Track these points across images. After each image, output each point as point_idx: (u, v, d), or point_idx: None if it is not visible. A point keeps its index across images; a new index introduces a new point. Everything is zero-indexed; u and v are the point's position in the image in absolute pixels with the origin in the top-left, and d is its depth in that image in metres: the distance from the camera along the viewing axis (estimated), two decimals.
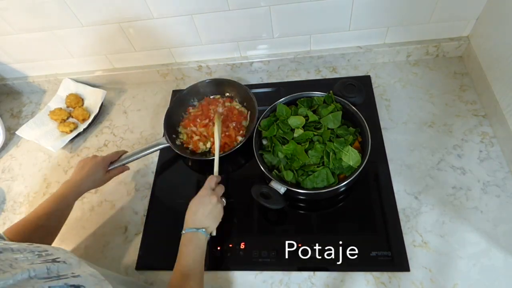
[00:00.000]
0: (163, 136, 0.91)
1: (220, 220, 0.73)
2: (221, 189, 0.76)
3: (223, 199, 0.76)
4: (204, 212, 0.71)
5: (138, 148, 0.89)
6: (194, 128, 0.95)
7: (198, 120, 0.96)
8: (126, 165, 0.88)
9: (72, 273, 0.45)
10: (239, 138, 0.91)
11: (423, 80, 0.97)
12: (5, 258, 0.42)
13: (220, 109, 0.97)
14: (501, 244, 0.69)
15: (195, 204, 0.72)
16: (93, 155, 0.84)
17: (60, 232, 0.75)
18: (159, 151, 0.97)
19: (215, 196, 0.73)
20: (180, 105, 1.00)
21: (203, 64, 1.08)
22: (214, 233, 0.73)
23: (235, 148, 0.86)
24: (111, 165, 0.85)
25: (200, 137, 0.93)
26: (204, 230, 0.69)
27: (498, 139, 0.82)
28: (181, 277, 0.63)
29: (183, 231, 0.69)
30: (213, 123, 0.90)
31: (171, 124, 0.96)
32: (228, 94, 1.02)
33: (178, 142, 0.94)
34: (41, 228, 0.69)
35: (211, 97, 1.02)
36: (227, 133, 0.91)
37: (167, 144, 0.89)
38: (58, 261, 0.46)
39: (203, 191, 0.73)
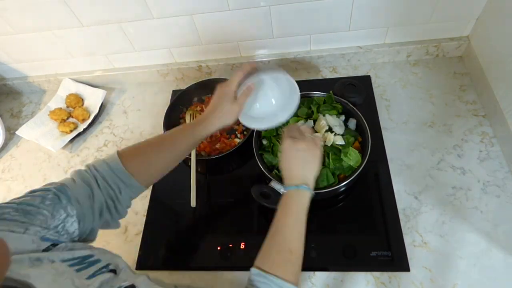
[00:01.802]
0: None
1: (319, 158, 0.64)
2: (305, 129, 0.67)
3: (316, 137, 0.67)
4: (298, 165, 0.62)
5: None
6: None
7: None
8: (250, 84, 0.67)
9: (125, 286, 0.45)
10: (237, 140, 0.91)
11: (423, 80, 0.97)
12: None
13: None
14: (501, 244, 0.69)
15: (284, 161, 0.64)
16: (219, 84, 0.67)
17: None
18: None
19: (301, 142, 0.63)
20: (180, 105, 1.00)
21: (203, 64, 1.08)
22: None
23: (233, 149, 0.86)
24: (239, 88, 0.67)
25: None
26: (305, 185, 0.60)
27: (498, 139, 0.82)
28: (282, 252, 0.55)
29: (282, 190, 0.61)
30: None
31: (171, 124, 0.96)
32: None
33: None
34: (163, 147, 0.62)
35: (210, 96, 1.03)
36: (226, 135, 0.91)
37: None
38: (109, 270, 0.47)
39: (285, 145, 0.64)
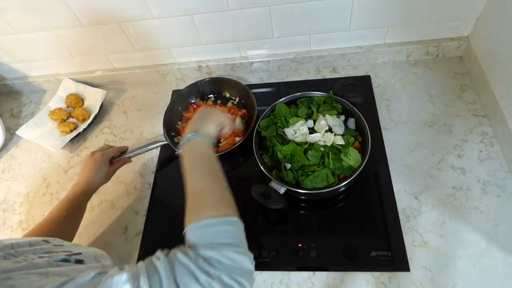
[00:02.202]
0: (163, 134, 0.91)
1: (218, 118, 0.67)
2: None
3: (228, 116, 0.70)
4: (194, 118, 0.65)
5: (137, 144, 0.89)
6: None
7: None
8: (126, 158, 0.87)
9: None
10: (237, 138, 0.91)
11: (423, 80, 0.97)
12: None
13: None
14: (501, 244, 0.69)
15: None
16: (91, 152, 0.82)
17: None
18: (159, 151, 0.97)
19: (206, 105, 0.69)
20: (179, 104, 1.00)
21: (203, 64, 1.08)
22: (224, 131, 0.67)
23: (233, 148, 0.86)
24: (113, 159, 0.85)
25: None
26: (193, 134, 0.61)
27: (498, 139, 0.82)
28: (192, 200, 0.52)
29: (179, 151, 0.61)
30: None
31: (171, 123, 0.96)
32: (227, 93, 1.02)
33: (176, 140, 0.94)
34: (55, 233, 0.66)
35: (209, 96, 1.03)
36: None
37: (166, 142, 0.89)
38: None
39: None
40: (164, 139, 0.90)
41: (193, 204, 0.52)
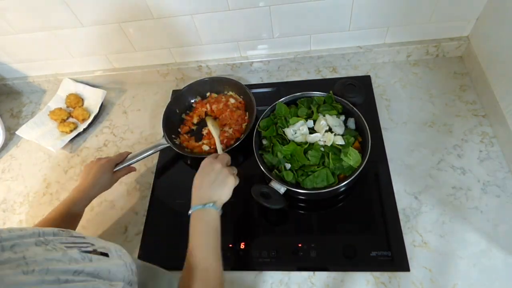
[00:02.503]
0: (163, 137, 0.91)
1: (230, 187, 0.66)
2: (224, 156, 0.70)
3: (233, 169, 0.70)
4: (209, 183, 0.64)
5: (138, 150, 0.89)
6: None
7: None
8: (133, 166, 0.87)
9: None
10: (240, 136, 0.91)
11: (423, 80, 0.97)
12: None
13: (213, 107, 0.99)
14: (501, 244, 0.69)
15: (198, 177, 0.66)
16: (97, 158, 0.83)
17: None
18: (159, 152, 0.97)
19: (218, 163, 0.66)
20: (179, 104, 1.00)
21: (203, 64, 1.08)
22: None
23: (232, 147, 0.86)
24: (116, 166, 0.84)
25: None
26: (212, 204, 0.62)
27: (498, 139, 0.82)
28: (198, 272, 0.55)
29: (190, 211, 0.63)
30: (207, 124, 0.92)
31: (170, 123, 0.96)
32: (227, 93, 1.02)
33: (177, 141, 0.94)
34: None
35: (209, 94, 1.03)
36: (225, 135, 0.91)
37: (167, 145, 0.89)
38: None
39: (205, 161, 0.68)
40: (165, 142, 0.89)
41: (199, 276, 0.55)
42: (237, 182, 0.69)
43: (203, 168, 0.68)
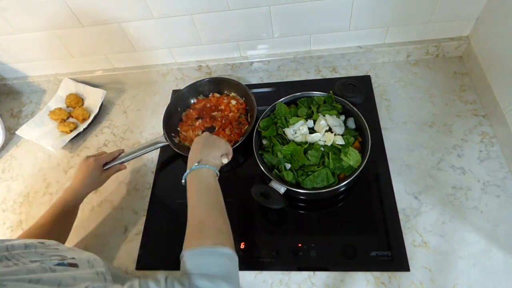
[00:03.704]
0: (162, 135, 0.91)
1: (220, 148, 0.68)
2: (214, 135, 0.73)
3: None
4: (197, 148, 0.66)
5: (137, 146, 0.89)
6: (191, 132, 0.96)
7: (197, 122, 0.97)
8: (124, 164, 0.88)
9: None
10: (240, 136, 0.91)
11: (423, 80, 0.97)
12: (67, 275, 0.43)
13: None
14: (501, 244, 0.69)
15: (191, 148, 0.69)
16: (86, 156, 0.83)
17: None
18: (159, 151, 0.97)
19: (207, 133, 0.70)
20: (179, 104, 1.00)
21: (203, 64, 1.08)
22: (225, 161, 0.68)
23: (233, 147, 0.86)
24: (107, 165, 0.85)
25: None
26: (197, 163, 0.62)
27: (498, 139, 0.82)
28: (193, 227, 0.55)
29: (183, 180, 0.63)
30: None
31: (170, 123, 0.96)
32: (226, 93, 1.02)
33: (176, 141, 0.94)
34: (47, 237, 0.67)
35: (210, 94, 1.03)
36: (227, 134, 0.91)
37: (166, 143, 0.89)
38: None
39: (195, 138, 0.71)
40: (164, 140, 0.90)
41: (194, 231, 0.54)
42: (229, 149, 0.71)
43: (193, 142, 0.70)
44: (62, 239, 0.74)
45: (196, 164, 0.63)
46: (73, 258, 0.50)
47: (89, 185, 0.80)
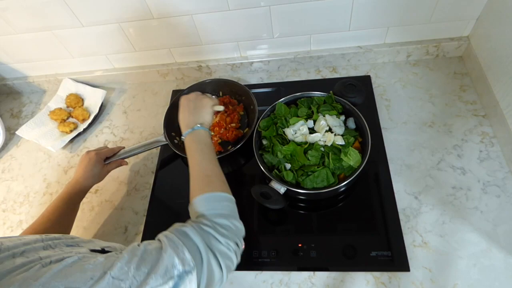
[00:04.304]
0: (163, 134, 0.91)
1: (209, 106, 0.75)
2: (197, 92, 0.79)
3: (209, 96, 0.78)
4: (190, 110, 0.73)
5: (137, 144, 0.89)
6: None
7: None
8: (125, 160, 0.88)
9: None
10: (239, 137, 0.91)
11: (423, 80, 0.97)
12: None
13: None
14: (501, 244, 0.69)
15: (180, 112, 0.75)
16: (87, 151, 0.84)
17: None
18: (159, 151, 0.97)
19: (193, 94, 0.76)
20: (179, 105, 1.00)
21: (203, 64, 1.08)
22: (219, 108, 0.79)
23: (233, 150, 0.86)
24: (108, 160, 0.85)
25: None
26: (199, 125, 0.70)
27: (498, 139, 0.82)
28: (202, 179, 0.62)
29: (182, 137, 0.71)
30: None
31: (171, 124, 0.96)
32: (227, 94, 1.02)
33: (177, 141, 0.94)
34: (51, 231, 0.68)
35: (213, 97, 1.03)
36: (227, 134, 0.91)
37: (165, 142, 0.89)
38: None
39: (181, 99, 0.77)
40: (164, 139, 0.90)
41: (203, 181, 0.62)
42: (216, 102, 0.78)
43: (181, 104, 0.76)
44: (66, 233, 0.74)
45: (199, 125, 0.70)
46: (108, 246, 0.52)
47: (91, 178, 0.80)
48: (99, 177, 0.83)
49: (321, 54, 1.02)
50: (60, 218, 0.72)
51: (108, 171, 0.86)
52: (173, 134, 0.94)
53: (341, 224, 0.77)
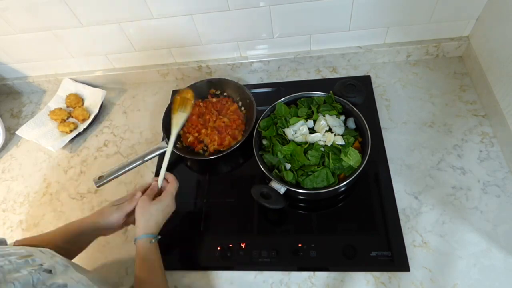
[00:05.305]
0: (162, 140, 0.91)
1: (169, 212, 0.74)
2: (169, 188, 0.75)
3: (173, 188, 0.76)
4: (152, 217, 0.71)
5: (139, 154, 0.89)
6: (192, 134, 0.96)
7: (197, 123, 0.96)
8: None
9: (58, 284, 0.46)
10: (239, 137, 0.91)
11: (423, 80, 0.97)
12: None
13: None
14: (501, 244, 0.69)
15: (141, 214, 0.72)
16: (112, 205, 0.76)
17: None
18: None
19: (167, 197, 0.73)
20: None
21: (203, 64, 1.08)
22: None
23: (232, 149, 0.85)
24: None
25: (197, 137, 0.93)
26: (152, 235, 0.69)
27: (498, 139, 0.82)
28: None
29: (138, 238, 0.69)
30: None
31: (170, 125, 0.95)
32: (226, 94, 1.02)
33: (178, 145, 0.93)
34: (58, 248, 0.63)
35: (210, 95, 1.03)
36: (228, 133, 0.91)
37: (166, 148, 0.89)
38: (44, 270, 0.47)
39: (141, 200, 0.73)
40: (165, 145, 0.88)
41: None
42: (174, 206, 0.75)
43: (145, 209, 0.71)
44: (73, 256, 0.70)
45: (153, 240, 0.69)
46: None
47: (108, 222, 0.73)
48: (115, 224, 0.75)
49: (321, 54, 1.02)
50: (71, 239, 0.70)
51: (128, 224, 0.78)
52: None
53: (341, 224, 0.77)
